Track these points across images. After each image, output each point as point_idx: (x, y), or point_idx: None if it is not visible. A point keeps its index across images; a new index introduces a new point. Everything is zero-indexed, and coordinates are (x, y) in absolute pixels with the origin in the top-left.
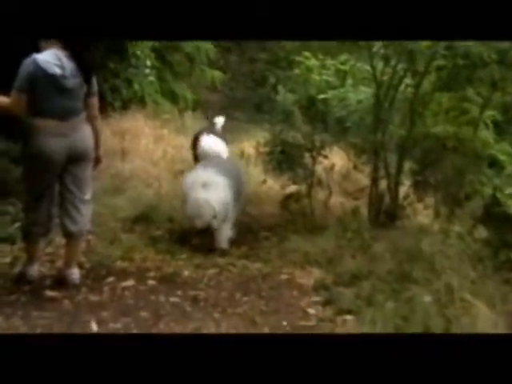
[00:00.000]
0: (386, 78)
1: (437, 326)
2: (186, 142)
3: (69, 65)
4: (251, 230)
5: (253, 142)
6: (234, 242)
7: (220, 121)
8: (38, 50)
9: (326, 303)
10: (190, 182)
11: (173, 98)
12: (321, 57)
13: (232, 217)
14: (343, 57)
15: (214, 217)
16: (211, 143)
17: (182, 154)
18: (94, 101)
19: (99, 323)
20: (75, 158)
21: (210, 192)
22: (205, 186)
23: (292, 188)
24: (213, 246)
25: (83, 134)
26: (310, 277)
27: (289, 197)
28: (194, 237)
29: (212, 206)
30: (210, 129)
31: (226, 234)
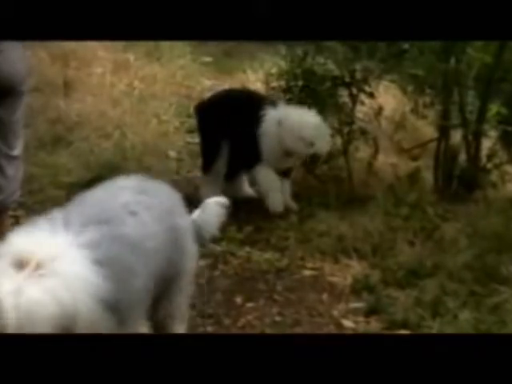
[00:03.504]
0: None
1: None
2: (162, 72)
3: None
4: (260, 203)
5: (260, 74)
6: (234, 221)
7: None
8: None
9: (371, 312)
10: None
11: None
12: None
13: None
14: None
15: None
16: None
17: (156, 90)
18: None
19: None
20: None
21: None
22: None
23: None
24: None
25: (7, 57)
26: (347, 273)
27: (316, 155)
28: None
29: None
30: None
31: None
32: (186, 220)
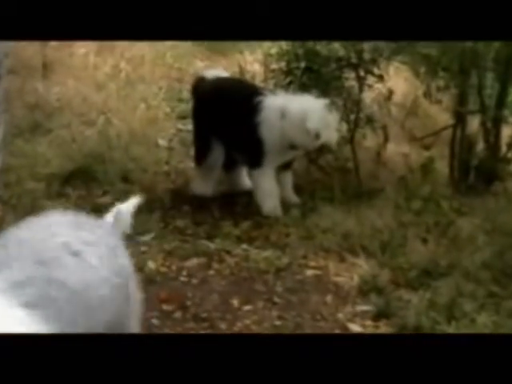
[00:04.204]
0: None
1: None
2: (150, 52)
3: None
4: None
5: (258, 54)
6: (230, 216)
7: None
8: None
9: (380, 315)
10: None
11: None
12: None
13: None
14: None
15: None
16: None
17: (144, 72)
18: None
19: None
20: None
21: None
22: None
23: None
24: None
25: None
26: (353, 273)
27: (323, 147)
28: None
29: None
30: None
31: None
32: (129, 260)
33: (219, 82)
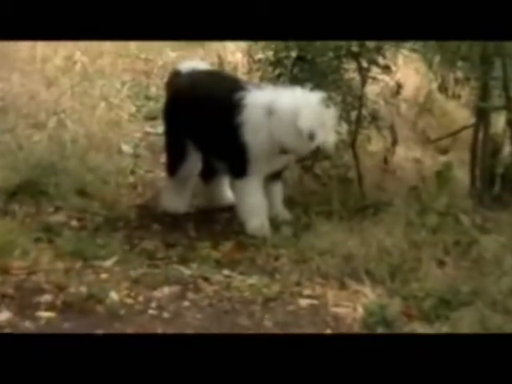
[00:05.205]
0: None
1: None
2: (112, 41)
3: None
4: None
5: (241, 42)
6: (207, 236)
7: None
8: None
9: None
10: None
11: None
12: None
13: None
14: None
15: None
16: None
17: (103, 65)
18: None
19: None
20: None
21: None
22: None
23: None
24: None
25: None
26: (357, 302)
27: (318, 151)
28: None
29: None
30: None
31: None
32: None
33: (195, 77)
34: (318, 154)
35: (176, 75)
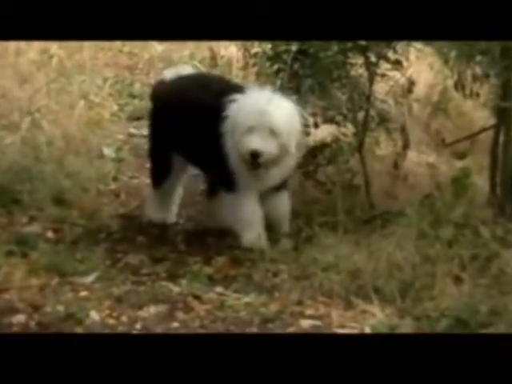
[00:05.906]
0: None
1: None
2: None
3: None
4: None
5: None
6: (199, 249)
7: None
8: None
9: None
10: None
11: None
12: None
13: None
14: None
15: None
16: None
17: (83, 60)
18: None
19: None
20: None
21: None
22: None
23: (323, 132)
24: None
25: None
26: (364, 323)
27: (317, 149)
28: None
29: None
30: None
31: None
32: None
33: (180, 83)
34: (317, 157)
35: (160, 84)
